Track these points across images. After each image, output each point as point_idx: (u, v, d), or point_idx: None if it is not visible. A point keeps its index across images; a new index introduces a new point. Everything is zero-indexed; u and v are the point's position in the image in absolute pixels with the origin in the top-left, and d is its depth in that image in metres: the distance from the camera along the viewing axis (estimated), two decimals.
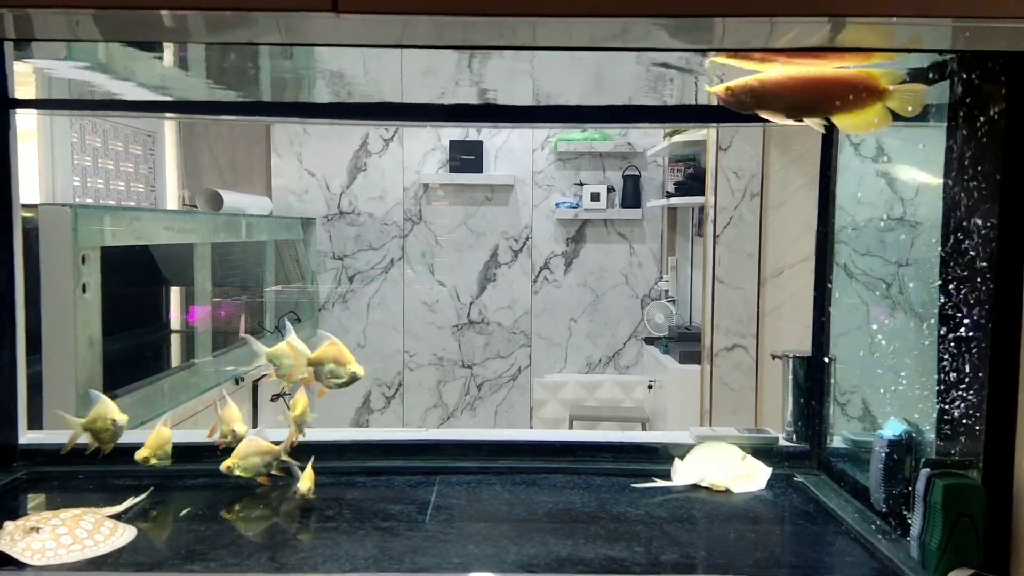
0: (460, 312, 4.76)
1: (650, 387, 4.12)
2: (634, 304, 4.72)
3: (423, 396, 4.78)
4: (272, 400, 3.75)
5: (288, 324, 1.40)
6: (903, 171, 1.36)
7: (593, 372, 4.75)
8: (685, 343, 3.72)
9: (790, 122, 1.12)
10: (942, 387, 1.09)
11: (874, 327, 1.37)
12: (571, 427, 4.17)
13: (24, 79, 1.65)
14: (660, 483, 1.41)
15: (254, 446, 1.32)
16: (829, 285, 1.49)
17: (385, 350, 4.76)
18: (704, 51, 1.08)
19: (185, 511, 1.29)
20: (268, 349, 1.31)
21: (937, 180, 1.13)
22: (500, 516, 1.28)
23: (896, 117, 1.06)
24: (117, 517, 1.20)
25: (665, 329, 4.24)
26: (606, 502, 1.33)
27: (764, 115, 1.09)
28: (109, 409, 1.33)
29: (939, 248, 1.11)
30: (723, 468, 1.41)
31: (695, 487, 1.40)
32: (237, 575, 1.04)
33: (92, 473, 1.45)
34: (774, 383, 3.07)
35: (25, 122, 3.19)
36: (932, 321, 1.14)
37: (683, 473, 1.44)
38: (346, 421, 4.73)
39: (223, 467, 1.31)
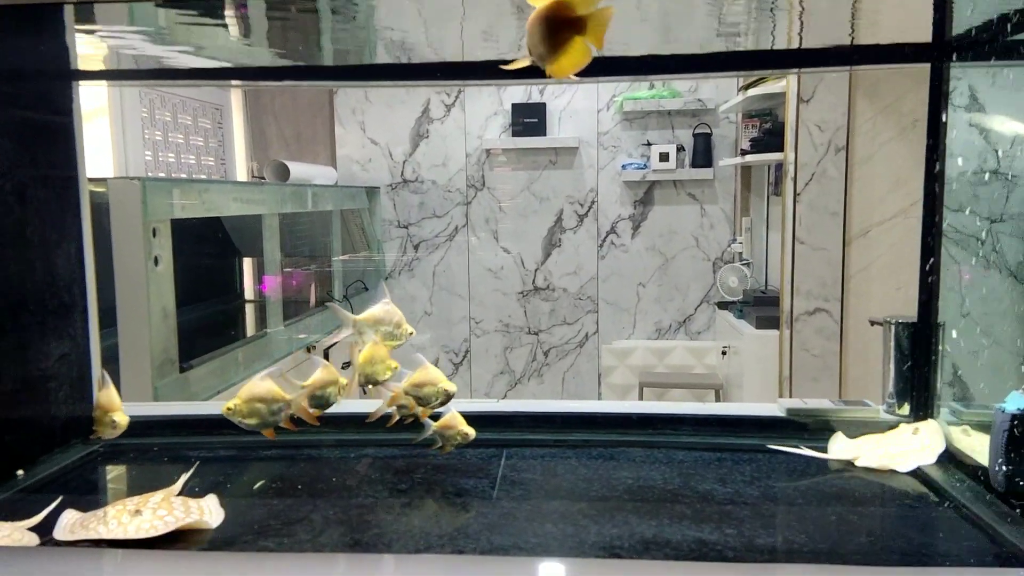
0: (525, 279, 4.70)
1: (724, 353, 3.99)
2: (705, 268, 4.56)
3: (490, 362, 4.77)
4: (343, 368, 3.80)
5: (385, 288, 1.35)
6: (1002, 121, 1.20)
7: (663, 338, 4.64)
8: (761, 307, 3.57)
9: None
10: None
11: (983, 290, 1.24)
12: (641, 394, 4.09)
13: (90, 62, 1.65)
14: (805, 451, 1.32)
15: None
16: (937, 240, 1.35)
17: (452, 317, 4.76)
18: None
19: (258, 484, 1.27)
20: (357, 316, 1.24)
21: None
22: (577, 493, 1.22)
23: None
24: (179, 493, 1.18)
25: (739, 293, 4.09)
26: (690, 478, 1.26)
27: None
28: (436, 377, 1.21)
29: None
30: (887, 446, 1.30)
31: (847, 465, 1.30)
32: (312, 554, 1.01)
33: (167, 445, 1.46)
34: (861, 349, 2.92)
35: (97, 99, 3.25)
36: None
37: (837, 451, 1.33)
38: None
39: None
